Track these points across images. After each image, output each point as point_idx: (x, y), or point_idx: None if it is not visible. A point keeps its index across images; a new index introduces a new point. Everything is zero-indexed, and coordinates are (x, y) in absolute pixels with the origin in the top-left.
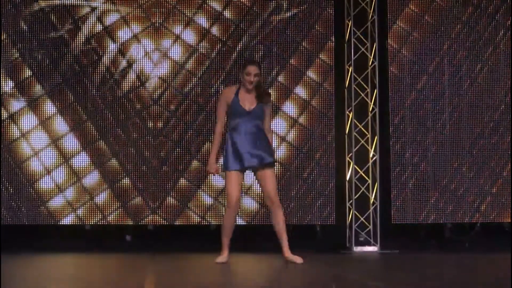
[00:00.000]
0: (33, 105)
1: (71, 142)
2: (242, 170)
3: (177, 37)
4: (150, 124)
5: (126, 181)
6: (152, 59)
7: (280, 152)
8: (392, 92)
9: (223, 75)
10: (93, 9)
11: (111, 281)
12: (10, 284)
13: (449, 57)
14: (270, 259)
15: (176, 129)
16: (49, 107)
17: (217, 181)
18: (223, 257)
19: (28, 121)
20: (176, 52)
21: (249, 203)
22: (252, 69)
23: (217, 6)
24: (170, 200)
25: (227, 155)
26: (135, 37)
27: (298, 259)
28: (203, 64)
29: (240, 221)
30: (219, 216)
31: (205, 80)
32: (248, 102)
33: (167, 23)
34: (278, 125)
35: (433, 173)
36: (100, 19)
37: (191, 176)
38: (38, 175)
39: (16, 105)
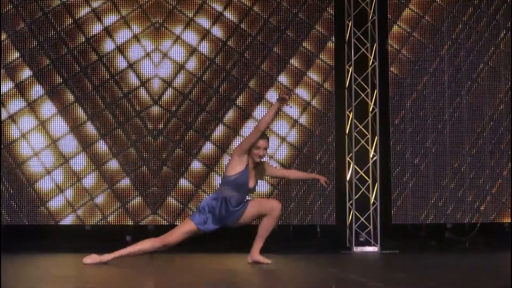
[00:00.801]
0: (33, 105)
1: (71, 143)
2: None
3: (178, 38)
4: (150, 125)
5: (126, 181)
6: (153, 59)
7: (281, 152)
8: (392, 93)
9: (222, 75)
10: (93, 9)
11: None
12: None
13: (449, 58)
14: (270, 259)
15: (177, 129)
16: (49, 108)
17: (217, 181)
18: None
19: (28, 121)
20: (177, 53)
21: None
22: (263, 143)
23: (217, 7)
24: (171, 200)
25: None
26: (135, 38)
27: (266, 260)
28: (203, 65)
29: None
30: None
31: (205, 80)
32: (252, 178)
33: (167, 23)
34: (278, 126)
35: (434, 173)
36: (100, 19)
37: (191, 176)
38: (38, 175)
39: (16, 105)
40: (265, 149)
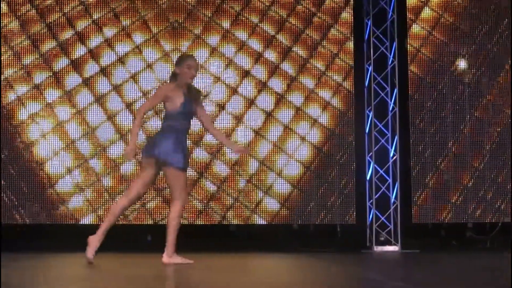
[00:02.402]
0: (53, 105)
1: (91, 143)
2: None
3: (197, 37)
4: None
5: None
6: (172, 59)
7: (301, 151)
8: (412, 91)
9: (241, 75)
10: (112, 9)
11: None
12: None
13: (469, 57)
14: (291, 258)
15: (196, 129)
16: (69, 108)
17: (237, 181)
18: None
19: (48, 122)
20: (196, 53)
21: (270, 203)
22: (194, 63)
23: (236, 6)
24: (191, 199)
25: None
26: (154, 37)
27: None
28: (223, 64)
29: (261, 221)
30: (239, 216)
31: (225, 80)
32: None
33: (186, 23)
34: (298, 125)
35: (454, 172)
36: (119, 19)
37: (211, 176)
38: (58, 175)
39: (35, 106)
40: (197, 69)
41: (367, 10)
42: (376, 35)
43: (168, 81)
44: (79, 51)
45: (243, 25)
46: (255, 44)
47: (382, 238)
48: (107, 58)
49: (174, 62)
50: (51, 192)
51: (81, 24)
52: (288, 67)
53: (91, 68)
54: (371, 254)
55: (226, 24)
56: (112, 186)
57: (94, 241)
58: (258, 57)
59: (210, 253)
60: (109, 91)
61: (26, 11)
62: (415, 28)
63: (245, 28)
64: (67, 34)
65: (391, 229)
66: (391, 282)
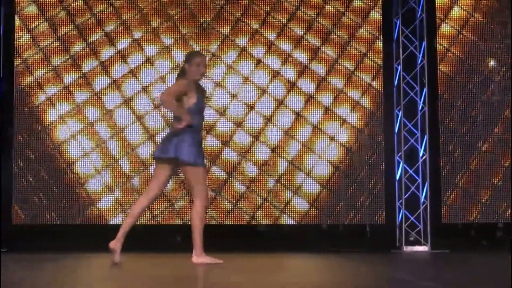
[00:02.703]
0: (82, 106)
1: (120, 143)
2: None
3: (225, 37)
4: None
5: (174, 181)
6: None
7: (330, 151)
8: (442, 91)
9: (271, 76)
10: (140, 10)
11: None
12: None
13: (499, 57)
14: (320, 258)
15: (225, 129)
16: (98, 109)
17: (266, 181)
18: None
19: (77, 123)
20: (225, 54)
21: (299, 203)
22: (202, 59)
23: (265, 7)
24: (220, 200)
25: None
26: (183, 38)
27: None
28: (252, 65)
29: (290, 221)
30: (269, 216)
31: (254, 80)
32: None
33: (215, 23)
34: (328, 125)
35: (484, 172)
36: (149, 22)
37: (240, 175)
38: (88, 176)
39: (65, 107)
40: (205, 65)
41: (396, 9)
42: (405, 35)
43: (177, 77)
44: (108, 52)
45: (272, 26)
46: (284, 45)
47: (411, 238)
48: (136, 59)
49: (184, 59)
50: (81, 192)
51: (110, 26)
52: (317, 67)
53: (120, 69)
54: (401, 254)
55: (255, 24)
56: (141, 187)
57: (116, 246)
58: (287, 57)
59: (239, 253)
60: (138, 92)
61: (56, 13)
62: (445, 27)
63: (274, 28)
64: (97, 35)
65: (421, 229)
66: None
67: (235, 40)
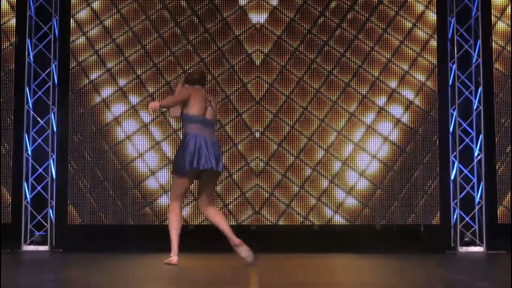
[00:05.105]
0: (138, 107)
1: (174, 143)
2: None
3: (279, 38)
4: (252, 124)
5: (228, 181)
6: (254, 60)
7: (383, 151)
8: (497, 90)
9: (324, 77)
10: (194, 12)
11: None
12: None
13: None
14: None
15: (279, 128)
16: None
17: (320, 181)
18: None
19: (132, 124)
20: (277, 54)
21: (353, 203)
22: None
23: (319, 7)
24: (273, 200)
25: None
26: (236, 39)
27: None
28: (304, 66)
29: (342, 221)
30: (322, 216)
31: (306, 80)
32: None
33: (268, 24)
34: (381, 125)
35: None
36: (203, 24)
37: (294, 175)
38: (143, 176)
39: (120, 108)
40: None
41: (451, 8)
42: (459, 33)
43: (184, 83)
44: (163, 54)
45: (324, 27)
46: (336, 46)
47: (466, 239)
48: (189, 61)
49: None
50: (135, 193)
51: (164, 28)
52: (370, 67)
53: (173, 71)
54: (456, 255)
55: (307, 26)
56: (195, 187)
57: (174, 260)
58: (340, 58)
59: (293, 253)
60: None
61: (110, 15)
62: (500, 25)
63: (326, 30)
64: (151, 37)
65: (476, 230)
66: (477, 283)
67: (287, 41)
